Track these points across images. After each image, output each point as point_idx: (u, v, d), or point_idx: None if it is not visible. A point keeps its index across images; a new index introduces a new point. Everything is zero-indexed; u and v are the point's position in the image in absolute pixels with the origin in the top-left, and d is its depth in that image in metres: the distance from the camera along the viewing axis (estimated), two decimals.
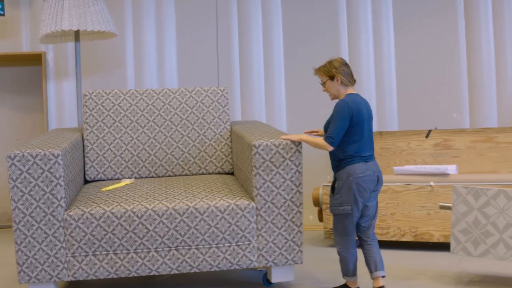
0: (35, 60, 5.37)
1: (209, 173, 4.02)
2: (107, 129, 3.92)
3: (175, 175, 3.99)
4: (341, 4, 5.18)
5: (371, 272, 3.27)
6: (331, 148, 3.14)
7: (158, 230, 3.17)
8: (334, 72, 3.18)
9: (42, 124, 5.41)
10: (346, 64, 3.23)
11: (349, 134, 3.15)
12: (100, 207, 3.18)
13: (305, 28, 5.23)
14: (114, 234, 3.15)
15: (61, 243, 3.14)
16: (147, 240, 3.18)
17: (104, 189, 3.51)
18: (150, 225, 3.17)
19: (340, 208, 3.19)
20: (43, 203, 3.10)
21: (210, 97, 4.06)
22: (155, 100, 4.02)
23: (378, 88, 5.18)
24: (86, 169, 3.88)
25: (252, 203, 3.25)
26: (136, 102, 3.99)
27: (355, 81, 3.27)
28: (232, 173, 4.07)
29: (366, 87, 5.15)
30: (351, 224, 3.20)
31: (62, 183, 3.11)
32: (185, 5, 5.29)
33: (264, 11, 5.26)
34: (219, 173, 4.03)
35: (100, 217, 3.14)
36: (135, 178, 3.93)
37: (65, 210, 3.15)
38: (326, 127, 3.27)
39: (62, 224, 3.13)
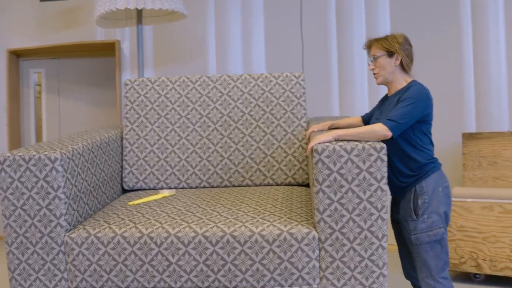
0: (112, 50, 4.77)
1: (277, 184, 3.12)
2: (150, 126, 3.16)
3: (233, 186, 3.13)
4: None
5: None
6: (390, 134, 2.29)
7: (183, 263, 2.33)
8: (397, 47, 2.46)
9: (116, 121, 4.80)
10: (410, 44, 2.53)
11: (428, 131, 2.45)
12: (110, 228, 2.40)
13: (417, 14, 4.17)
14: (126, 266, 2.36)
15: (62, 273, 2.40)
16: (168, 276, 2.35)
17: (131, 202, 2.74)
18: (173, 256, 2.33)
19: (430, 234, 2.36)
20: (39, 221, 2.37)
21: (282, 86, 3.17)
22: (210, 90, 3.19)
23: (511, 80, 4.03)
24: (123, 175, 3.14)
25: (314, 232, 2.30)
26: (186, 92, 3.19)
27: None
28: (307, 185, 3.15)
29: (495, 77, 4.01)
30: (447, 254, 2.39)
31: (62, 196, 2.36)
32: None
33: None
34: (289, 184, 3.12)
35: (109, 242, 2.36)
36: (183, 188, 3.12)
37: (67, 231, 2.41)
38: (367, 120, 2.67)
39: (62, 248, 2.39)
